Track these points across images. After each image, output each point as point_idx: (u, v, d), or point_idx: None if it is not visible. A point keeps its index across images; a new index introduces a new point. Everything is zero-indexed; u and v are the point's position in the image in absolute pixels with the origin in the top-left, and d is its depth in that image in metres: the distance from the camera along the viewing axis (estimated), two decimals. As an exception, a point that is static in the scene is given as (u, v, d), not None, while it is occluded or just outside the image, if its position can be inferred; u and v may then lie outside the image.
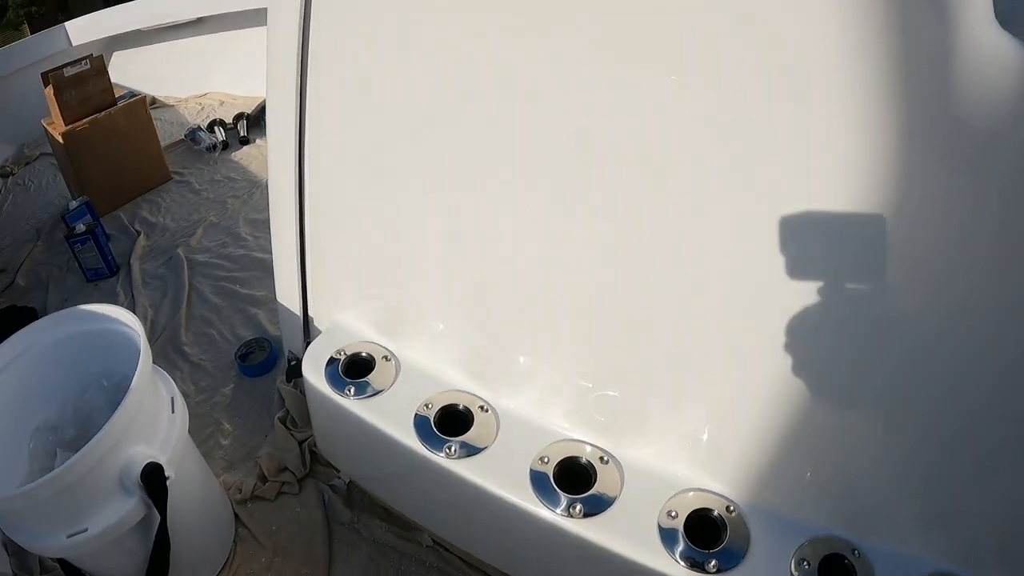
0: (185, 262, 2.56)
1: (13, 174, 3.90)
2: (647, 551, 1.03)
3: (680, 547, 1.02)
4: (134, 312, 2.21)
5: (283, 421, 1.70)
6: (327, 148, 1.29)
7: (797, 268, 0.87)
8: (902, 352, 0.89)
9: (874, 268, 0.84)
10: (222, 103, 4.38)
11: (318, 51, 1.20)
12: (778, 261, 0.88)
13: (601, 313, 1.10)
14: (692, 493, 1.09)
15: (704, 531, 1.07)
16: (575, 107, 0.94)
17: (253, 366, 1.94)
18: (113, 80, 3.93)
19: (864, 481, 1.04)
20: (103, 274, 2.63)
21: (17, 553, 1.55)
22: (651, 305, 1.04)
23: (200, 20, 4.41)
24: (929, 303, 0.85)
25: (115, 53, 4.70)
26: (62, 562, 1.25)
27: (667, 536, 1.04)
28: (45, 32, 4.53)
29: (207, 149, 3.57)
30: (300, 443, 1.63)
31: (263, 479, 1.58)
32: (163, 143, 3.52)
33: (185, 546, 1.27)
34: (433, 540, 1.43)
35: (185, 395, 1.85)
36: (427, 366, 1.33)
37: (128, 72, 4.65)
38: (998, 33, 0.73)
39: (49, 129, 3.05)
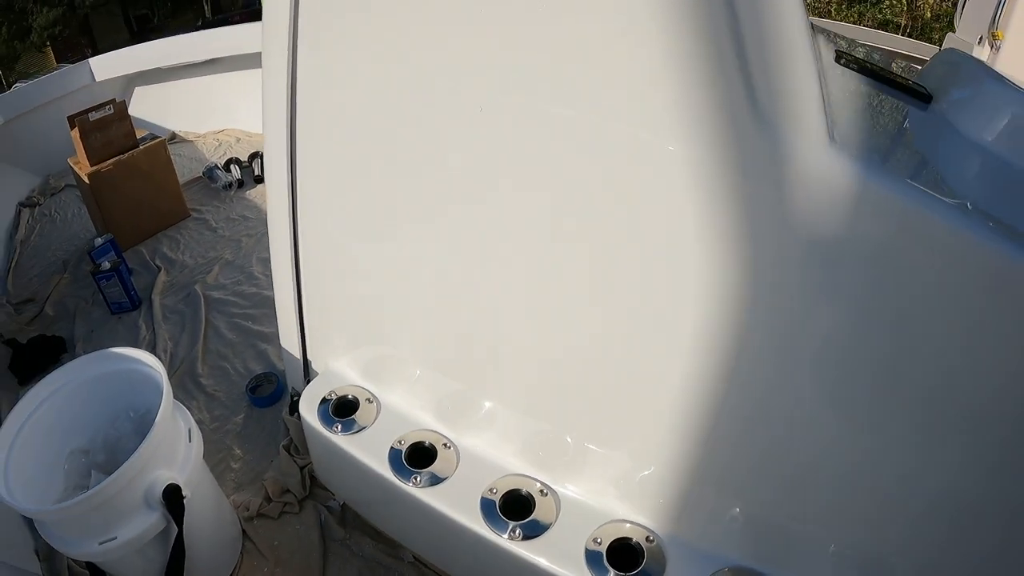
0: (202, 299, 2.75)
1: (40, 204, 4.08)
2: (574, 571, 1.21)
3: (602, 570, 1.20)
4: (155, 345, 2.43)
5: (287, 448, 1.89)
6: (315, 205, 1.45)
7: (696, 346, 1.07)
8: (783, 406, 1.07)
9: (752, 349, 1.03)
10: (239, 140, 4.53)
11: (306, 110, 1.34)
12: (679, 339, 1.07)
13: (546, 370, 1.28)
14: (616, 523, 1.27)
15: (625, 557, 1.23)
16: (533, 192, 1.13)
17: (262, 398, 2.13)
18: (134, 114, 4.10)
19: (769, 516, 1.19)
20: (126, 308, 2.81)
21: (48, 559, 1.74)
22: (587, 368, 1.22)
23: (218, 60, 4.56)
24: (795, 377, 1.03)
25: (136, 88, 4.86)
26: (91, 566, 1.44)
27: (592, 559, 1.21)
28: (70, 68, 4.71)
29: (223, 187, 3.74)
30: (301, 468, 1.82)
31: (268, 499, 1.77)
32: (182, 178, 3.69)
33: (198, 556, 1.46)
34: (414, 557, 1.62)
35: (201, 423, 2.06)
36: (403, 408, 1.52)
37: (149, 107, 4.82)
38: (832, 154, 0.87)
39: (75, 168, 3.24)
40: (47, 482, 1.44)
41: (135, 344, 2.55)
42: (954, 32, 5.11)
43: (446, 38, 1.06)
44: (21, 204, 4.10)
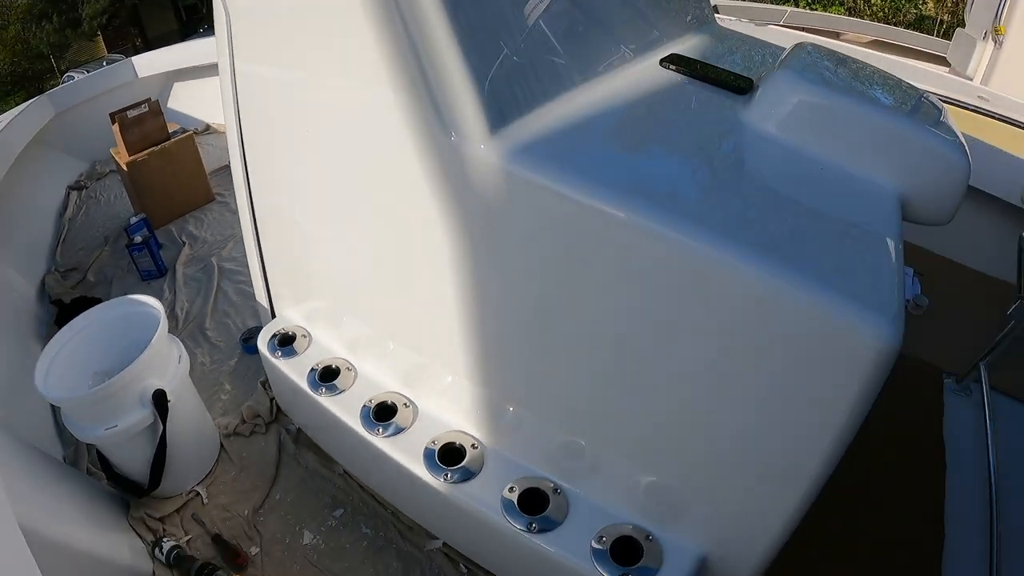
0: (216, 269, 3.24)
1: (86, 187, 4.53)
2: (415, 464, 1.59)
3: (435, 465, 1.57)
4: (175, 305, 2.93)
5: (263, 384, 2.37)
6: (259, 188, 1.87)
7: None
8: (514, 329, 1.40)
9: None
10: None
11: (244, 106, 1.73)
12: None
13: (401, 312, 1.67)
14: (453, 432, 1.64)
15: (454, 455, 1.59)
16: None
17: (251, 346, 2.58)
18: (172, 107, 4.53)
19: (553, 434, 1.51)
20: (154, 275, 3.30)
21: (73, 462, 2.25)
22: (416, 315, 1.61)
23: None
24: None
25: (175, 84, 5.30)
26: (99, 454, 1.95)
27: (428, 456, 1.60)
28: (116, 65, 5.14)
29: None
30: (271, 400, 2.30)
31: (243, 421, 2.25)
32: (211, 166, 4.15)
33: (181, 453, 1.96)
34: (343, 470, 2.07)
35: (203, 364, 2.56)
36: (325, 341, 1.97)
37: (185, 101, 5.27)
38: (490, 146, 1.19)
39: (116, 157, 3.73)
40: (74, 391, 1.93)
41: (160, 305, 3.08)
42: (963, 28, 5.33)
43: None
44: (70, 187, 4.52)
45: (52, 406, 2.44)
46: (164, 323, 1.87)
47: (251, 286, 3.01)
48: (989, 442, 1.91)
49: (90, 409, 1.79)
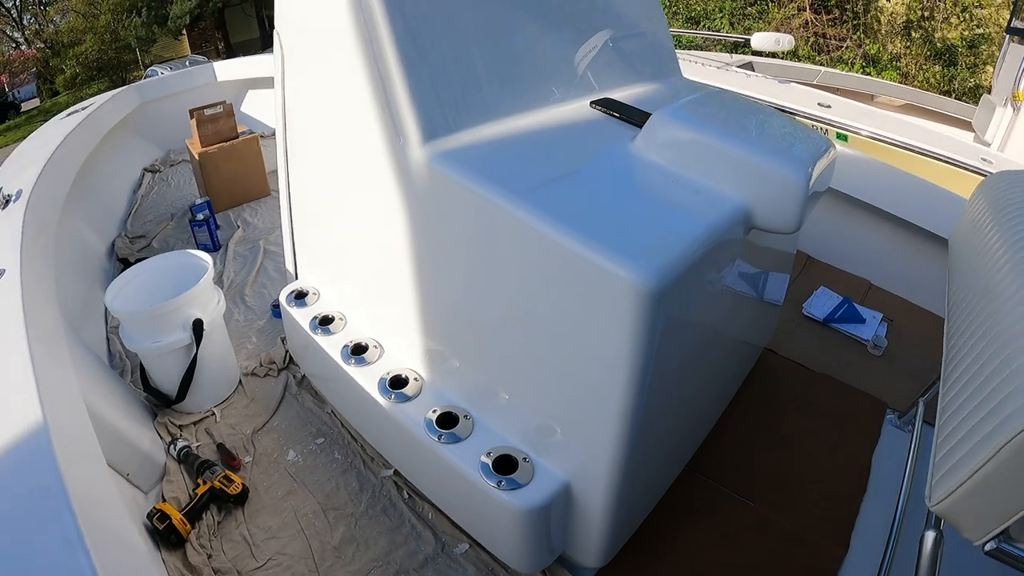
0: (262, 250, 3.77)
1: (160, 171, 5.08)
2: (372, 388, 2.02)
3: (386, 390, 2.00)
4: (222, 274, 3.47)
5: (283, 341, 2.88)
6: (295, 176, 2.34)
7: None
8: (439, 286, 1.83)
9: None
10: None
11: (290, 112, 2.23)
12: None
13: (371, 275, 2.13)
14: (403, 368, 2.08)
15: (400, 383, 2.02)
16: None
17: (279, 311, 3.03)
18: (246, 111, 5.02)
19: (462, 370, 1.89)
20: (209, 249, 3.82)
21: (120, 367, 2.79)
22: (383, 274, 1.96)
23: None
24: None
25: (249, 91, 5.83)
26: (141, 372, 2.48)
27: (381, 383, 2.04)
28: (198, 67, 5.71)
29: None
30: (286, 352, 2.81)
31: (260, 365, 2.76)
32: (271, 167, 4.57)
33: (207, 376, 2.47)
34: (331, 410, 2.53)
35: (238, 321, 3.08)
36: (328, 298, 2.43)
37: (255, 107, 5.79)
38: (423, 151, 1.62)
39: (190, 147, 4.30)
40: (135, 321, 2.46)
41: (209, 272, 3.64)
42: (989, 94, 5.46)
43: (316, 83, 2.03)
44: (146, 169, 5.07)
45: (107, 336, 2.99)
46: (211, 271, 2.41)
47: (290, 265, 3.56)
48: (907, 470, 2.01)
49: (144, 324, 2.31)
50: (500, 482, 1.70)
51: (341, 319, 2.29)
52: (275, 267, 3.61)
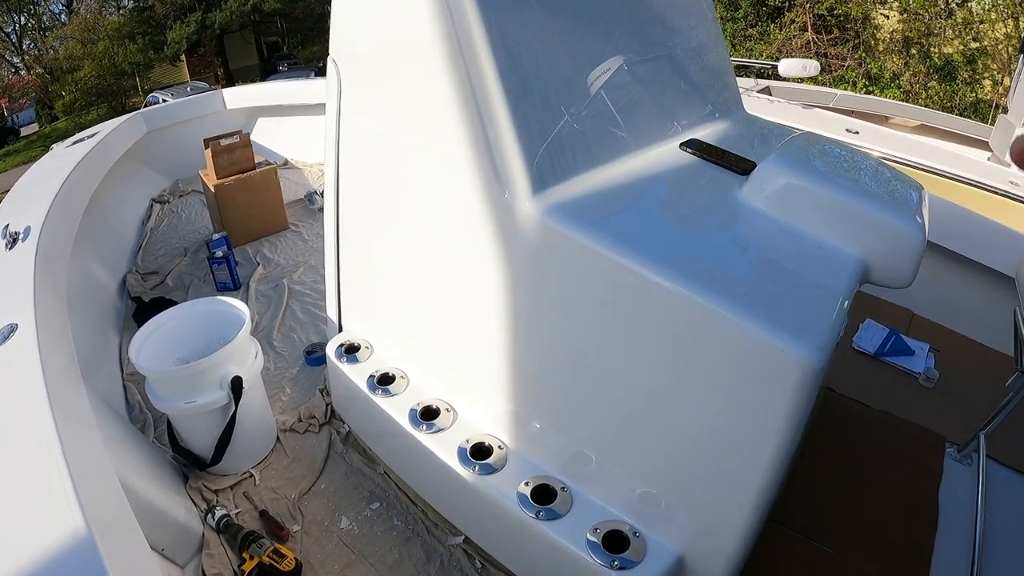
0: (287, 289, 3.54)
1: (168, 202, 4.91)
2: (450, 458, 1.84)
3: (467, 460, 1.81)
4: (245, 315, 3.24)
5: (321, 391, 2.65)
6: (348, 220, 2.15)
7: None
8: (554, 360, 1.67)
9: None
10: None
11: (344, 151, 2.04)
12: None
13: (449, 341, 1.98)
14: (483, 434, 1.89)
15: (482, 452, 1.84)
16: None
17: (313, 359, 2.89)
18: (255, 139, 4.80)
19: (568, 442, 1.73)
20: (229, 288, 3.61)
21: (142, 420, 2.56)
22: (470, 346, 1.88)
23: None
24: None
25: (259, 119, 5.68)
26: (170, 432, 2.24)
27: (460, 451, 1.85)
28: (207, 95, 5.56)
29: (319, 209, 4.50)
30: (327, 405, 2.57)
31: (300, 420, 2.52)
32: (287, 198, 4.47)
33: (243, 437, 2.23)
34: (384, 470, 2.31)
35: (268, 369, 2.85)
36: (385, 354, 2.23)
37: (266, 135, 5.64)
38: (533, 204, 1.50)
39: (204, 179, 4.11)
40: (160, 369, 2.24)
41: (231, 315, 3.41)
42: (1006, 114, 5.27)
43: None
44: (154, 199, 4.91)
45: (124, 384, 2.77)
46: (248, 322, 2.18)
47: (317, 307, 3.32)
48: (979, 507, 2.01)
49: (176, 383, 2.08)
50: (613, 561, 1.58)
51: (403, 378, 2.10)
52: (302, 308, 3.39)
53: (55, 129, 27.18)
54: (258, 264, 3.89)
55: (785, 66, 4.91)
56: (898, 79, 13.59)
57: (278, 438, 2.47)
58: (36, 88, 29.76)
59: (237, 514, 2.16)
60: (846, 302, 1.42)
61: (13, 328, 1.78)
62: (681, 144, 1.85)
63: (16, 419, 1.49)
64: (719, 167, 1.80)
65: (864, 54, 14.03)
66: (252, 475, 2.31)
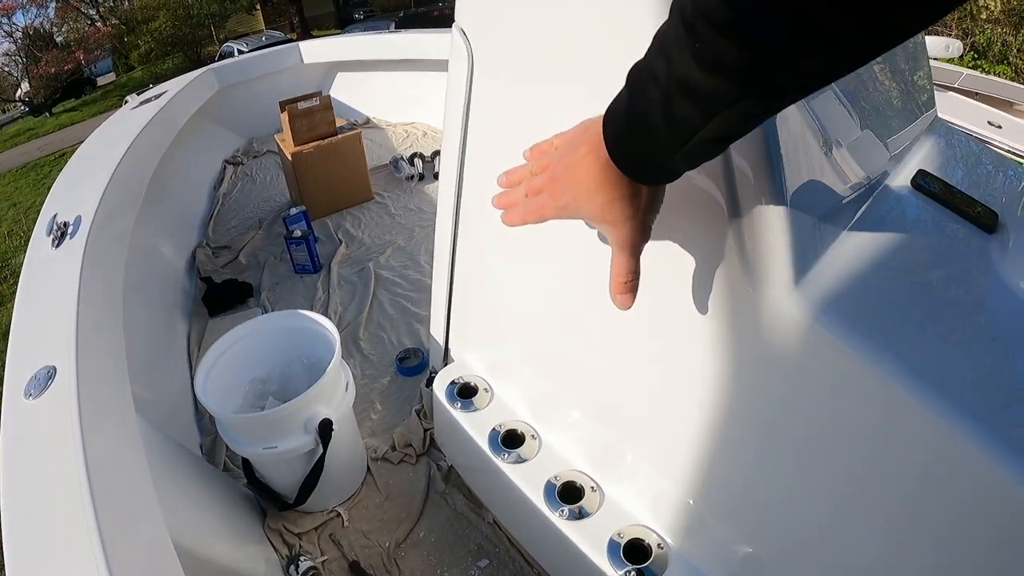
0: (373, 275, 3.19)
1: (243, 164, 4.64)
2: (597, 553, 1.46)
3: (618, 559, 1.44)
4: (328, 306, 2.93)
5: (418, 413, 2.31)
6: (472, 221, 1.72)
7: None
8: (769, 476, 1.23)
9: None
10: (425, 134, 4.90)
11: (475, 131, 1.57)
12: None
13: (613, 397, 1.54)
14: (638, 527, 1.51)
15: (638, 552, 1.46)
16: None
17: (407, 368, 2.56)
18: (334, 95, 4.54)
19: (752, 558, 1.35)
20: (308, 270, 3.31)
21: (209, 452, 2.26)
22: (645, 405, 1.44)
23: (412, 60, 4.86)
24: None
25: (338, 74, 5.32)
26: (246, 463, 1.93)
27: (612, 547, 1.47)
28: (282, 48, 5.20)
29: (406, 178, 4.18)
30: (425, 431, 2.24)
31: (393, 448, 2.19)
32: (370, 163, 4.10)
33: (331, 476, 1.91)
34: (493, 519, 1.98)
35: (354, 377, 2.51)
36: (508, 400, 1.86)
37: (346, 92, 5.30)
38: (795, 298, 1.04)
39: (281, 145, 3.75)
40: (231, 398, 1.93)
41: (311, 302, 3.09)
42: None
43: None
44: (226, 161, 4.64)
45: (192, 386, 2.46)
46: (339, 350, 1.83)
47: (408, 299, 2.98)
48: None
49: (253, 428, 1.77)
50: None
51: (533, 437, 1.73)
52: (391, 300, 3.04)
53: (131, 79, 27.70)
54: (340, 242, 3.55)
55: (929, 44, 4.28)
56: (1008, 53, 12.37)
57: (368, 468, 2.15)
58: (112, 39, 30.59)
59: (324, 563, 1.87)
60: None
61: (51, 374, 1.46)
62: (913, 180, 1.38)
63: (51, 496, 1.21)
64: (958, 217, 1.35)
65: (971, 24, 12.82)
66: (340, 514, 2.01)
